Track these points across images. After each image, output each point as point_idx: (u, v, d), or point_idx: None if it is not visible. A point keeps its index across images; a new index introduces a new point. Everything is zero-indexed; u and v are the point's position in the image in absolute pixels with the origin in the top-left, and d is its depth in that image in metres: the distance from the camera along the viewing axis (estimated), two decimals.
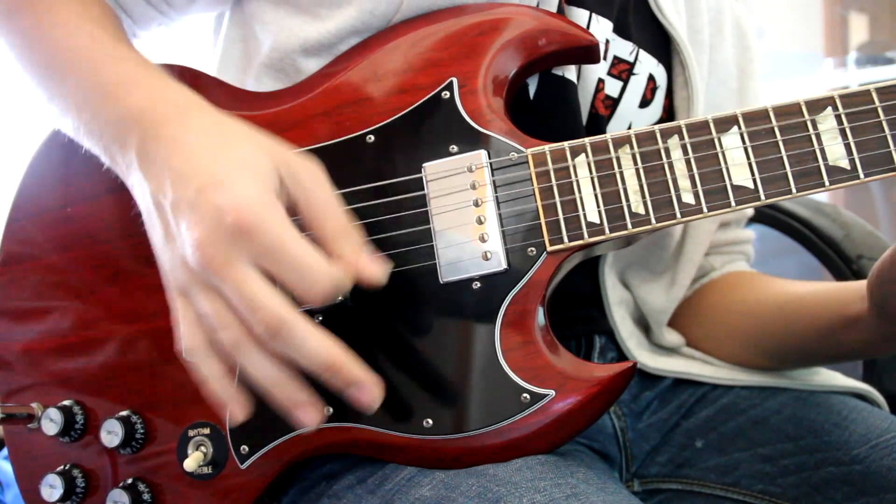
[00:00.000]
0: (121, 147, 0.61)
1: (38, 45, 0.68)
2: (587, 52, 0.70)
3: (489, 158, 0.66)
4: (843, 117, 0.62)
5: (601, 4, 0.76)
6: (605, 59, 0.77)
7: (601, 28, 0.76)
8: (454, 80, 0.68)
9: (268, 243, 0.53)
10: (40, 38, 0.68)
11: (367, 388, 0.55)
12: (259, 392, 0.56)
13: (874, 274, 0.67)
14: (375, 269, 0.57)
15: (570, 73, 0.74)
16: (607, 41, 0.76)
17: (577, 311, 0.81)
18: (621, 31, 0.77)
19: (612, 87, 0.78)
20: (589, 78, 0.76)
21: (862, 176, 0.61)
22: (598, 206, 0.64)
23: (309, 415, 0.56)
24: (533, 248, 0.64)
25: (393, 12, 0.71)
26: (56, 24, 0.68)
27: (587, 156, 0.65)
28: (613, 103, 0.78)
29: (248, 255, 0.53)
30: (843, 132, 0.62)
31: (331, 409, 0.65)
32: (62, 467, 0.70)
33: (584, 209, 0.64)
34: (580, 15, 0.75)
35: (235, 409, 0.56)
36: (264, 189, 0.54)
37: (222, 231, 0.52)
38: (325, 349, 0.54)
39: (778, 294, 0.82)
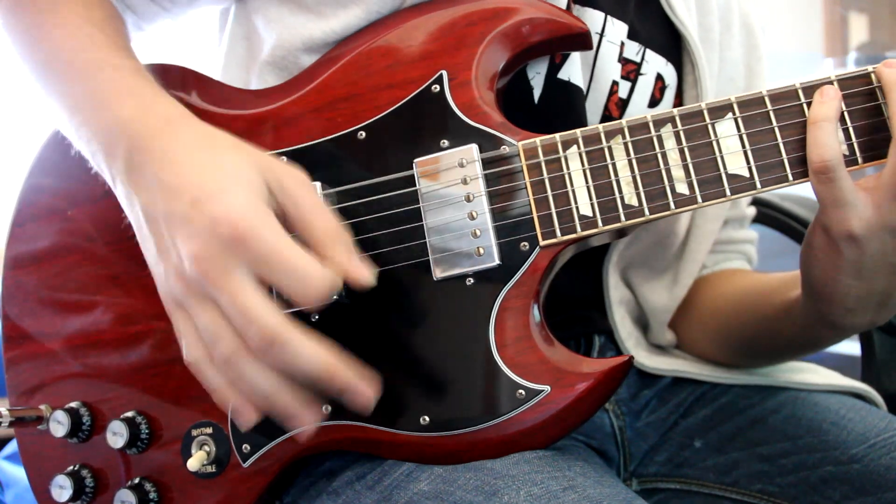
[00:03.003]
0: (108, 156, 0.62)
1: (39, 45, 0.69)
2: (579, 40, 0.68)
3: (480, 153, 0.65)
4: (841, 101, 0.60)
5: (616, 6, 0.75)
6: (618, 61, 0.75)
7: (616, 31, 0.75)
8: (444, 72, 0.67)
9: (263, 250, 0.53)
10: (41, 37, 0.69)
11: (361, 391, 0.56)
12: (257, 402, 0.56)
13: (802, 248, 0.66)
14: (364, 271, 0.57)
15: (575, 77, 0.73)
16: (622, 43, 0.75)
17: (577, 311, 0.81)
18: (631, 32, 0.76)
19: (623, 89, 0.77)
20: (603, 80, 0.75)
21: (860, 161, 0.60)
22: (591, 199, 0.63)
23: (307, 418, 0.57)
24: (525, 243, 0.64)
25: (397, 10, 0.71)
26: (57, 24, 0.69)
27: (579, 147, 0.64)
28: (623, 104, 0.77)
29: (243, 264, 0.54)
30: (840, 116, 0.60)
31: (329, 407, 0.65)
32: (71, 468, 0.72)
33: (576, 202, 0.63)
34: (595, 17, 0.74)
35: (244, 415, 0.57)
36: (255, 199, 0.55)
37: (217, 242, 0.53)
38: (318, 359, 0.54)
39: (745, 287, 0.82)
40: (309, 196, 0.58)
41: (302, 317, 0.67)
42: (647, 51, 0.77)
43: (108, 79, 0.65)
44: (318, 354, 0.54)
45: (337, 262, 0.56)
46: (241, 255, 0.53)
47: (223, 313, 0.54)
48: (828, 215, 0.61)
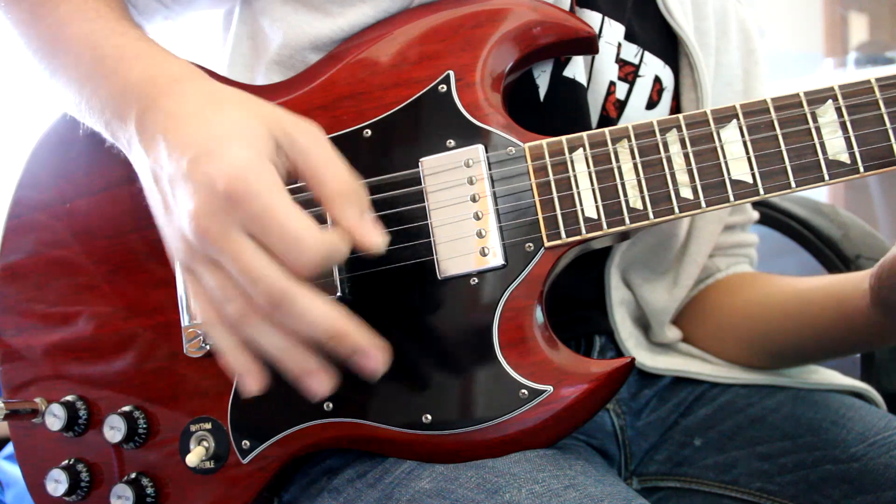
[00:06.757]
0: (121, 121, 0.61)
1: (43, 22, 0.68)
2: (585, 44, 0.69)
3: (486, 153, 0.65)
4: (844, 110, 0.61)
5: (614, 8, 0.75)
6: (616, 62, 0.76)
7: (613, 32, 0.75)
8: (451, 73, 0.67)
9: (256, 209, 0.51)
10: (45, 14, 0.68)
11: (372, 354, 0.54)
12: (269, 362, 0.55)
13: (879, 274, 0.66)
14: (375, 236, 0.55)
15: (580, 75, 0.74)
16: (619, 45, 0.76)
17: (578, 312, 0.81)
18: (628, 34, 0.77)
19: (621, 90, 0.77)
20: (600, 81, 0.76)
21: (862, 170, 0.61)
22: (596, 202, 0.64)
23: (320, 382, 0.55)
24: (530, 244, 0.64)
25: (406, 8, 0.71)
26: (61, 0, 0.68)
27: (585, 150, 0.64)
28: (621, 105, 0.77)
29: (240, 223, 0.52)
30: (843, 125, 0.61)
31: (331, 405, 0.65)
32: (67, 462, 0.71)
33: (581, 204, 0.64)
34: (593, 18, 0.74)
35: (249, 381, 0.55)
36: (257, 154, 0.53)
37: (214, 200, 0.52)
38: (327, 317, 0.53)
39: (781, 293, 0.82)
40: (321, 150, 0.55)
41: None
42: (646, 53, 0.78)
43: (116, 45, 0.64)
44: (327, 313, 0.53)
45: (347, 222, 0.54)
46: (237, 213, 0.51)
47: (229, 274, 0.53)
48: None
